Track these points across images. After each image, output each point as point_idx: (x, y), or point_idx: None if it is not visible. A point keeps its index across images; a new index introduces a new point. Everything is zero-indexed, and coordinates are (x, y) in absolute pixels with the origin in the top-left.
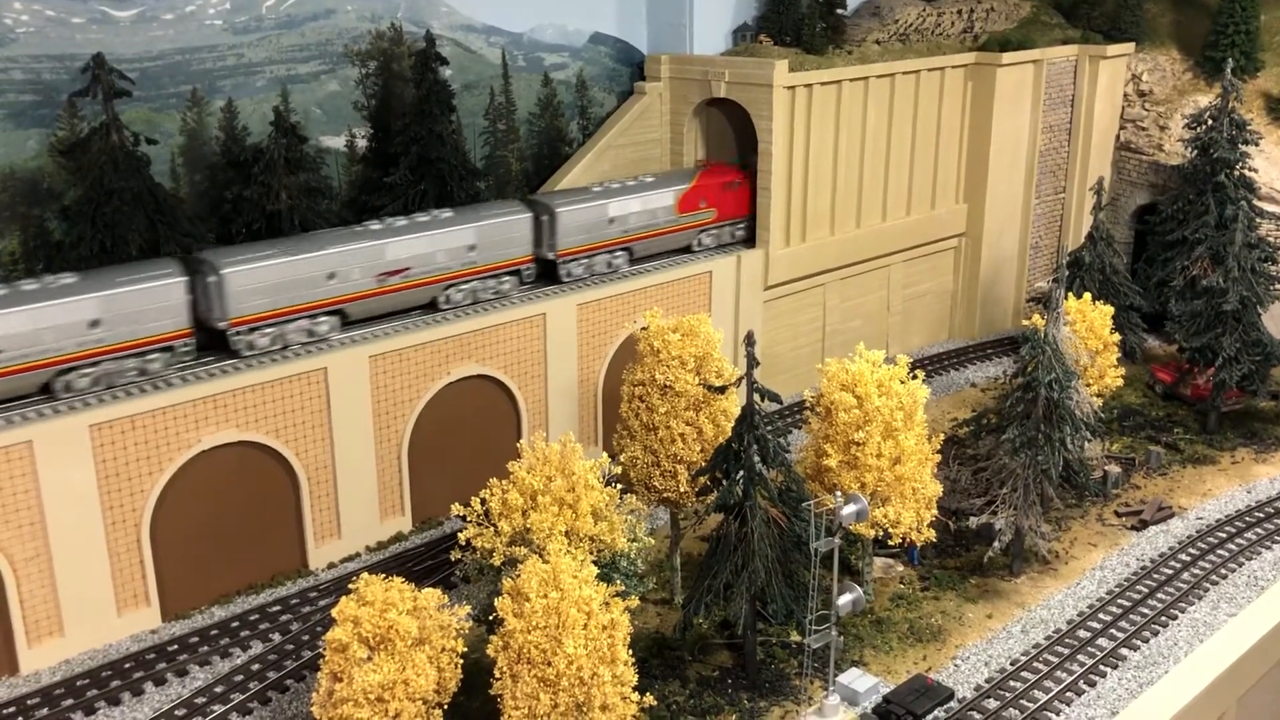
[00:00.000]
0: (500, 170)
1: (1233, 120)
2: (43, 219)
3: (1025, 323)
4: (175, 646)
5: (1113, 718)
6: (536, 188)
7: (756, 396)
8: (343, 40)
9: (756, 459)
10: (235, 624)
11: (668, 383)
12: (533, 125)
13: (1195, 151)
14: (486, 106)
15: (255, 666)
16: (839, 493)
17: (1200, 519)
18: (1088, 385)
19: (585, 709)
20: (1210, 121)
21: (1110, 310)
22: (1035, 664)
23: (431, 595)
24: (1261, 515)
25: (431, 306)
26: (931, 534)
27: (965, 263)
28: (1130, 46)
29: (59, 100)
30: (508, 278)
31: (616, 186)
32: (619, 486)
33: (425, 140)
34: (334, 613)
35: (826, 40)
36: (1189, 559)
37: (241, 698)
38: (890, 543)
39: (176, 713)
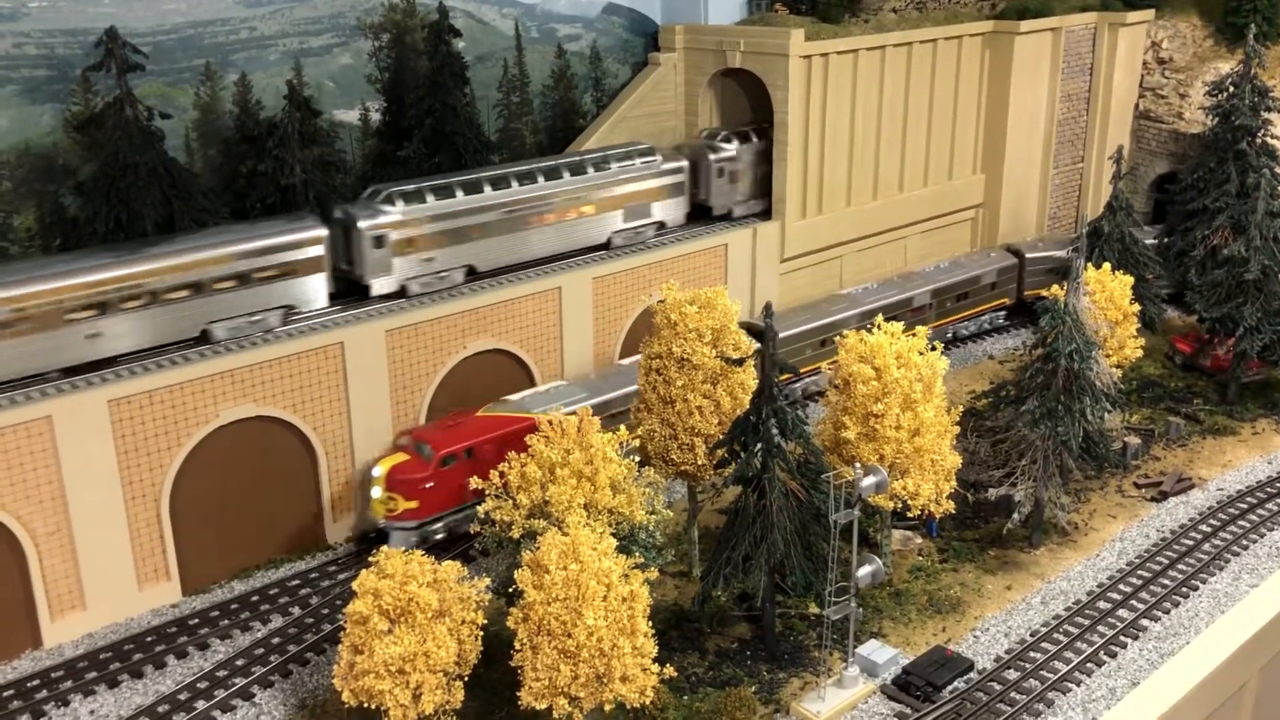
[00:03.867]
0: (514, 143)
1: (1255, 87)
2: (58, 195)
3: (1044, 293)
4: (196, 620)
5: (1133, 688)
6: None
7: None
8: (355, 12)
9: (775, 431)
10: (255, 598)
11: (685, 355)
12: (546, 97)
13: (1216, 119)
14: (500, 79)
15: (275, 640)
16: (858, 465)
17: (1221, 490)
18: (1107, 356)
19: (605, 680)
20: (1232, 88)
21: (1130, 280)
22: (1055, 635)
23: (451, 568)
24: None
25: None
26: (950, 506)
27: (983, 234)
28: (1150, 13)
29: (73, 75)
30: None
31: None
32: (636, 459)
33: (439, 113)
34: (355, 585)
35: (843, 9)
36: (1209, 530)
37: (262, 671)
38: (909, 515)
39: (198, 685)
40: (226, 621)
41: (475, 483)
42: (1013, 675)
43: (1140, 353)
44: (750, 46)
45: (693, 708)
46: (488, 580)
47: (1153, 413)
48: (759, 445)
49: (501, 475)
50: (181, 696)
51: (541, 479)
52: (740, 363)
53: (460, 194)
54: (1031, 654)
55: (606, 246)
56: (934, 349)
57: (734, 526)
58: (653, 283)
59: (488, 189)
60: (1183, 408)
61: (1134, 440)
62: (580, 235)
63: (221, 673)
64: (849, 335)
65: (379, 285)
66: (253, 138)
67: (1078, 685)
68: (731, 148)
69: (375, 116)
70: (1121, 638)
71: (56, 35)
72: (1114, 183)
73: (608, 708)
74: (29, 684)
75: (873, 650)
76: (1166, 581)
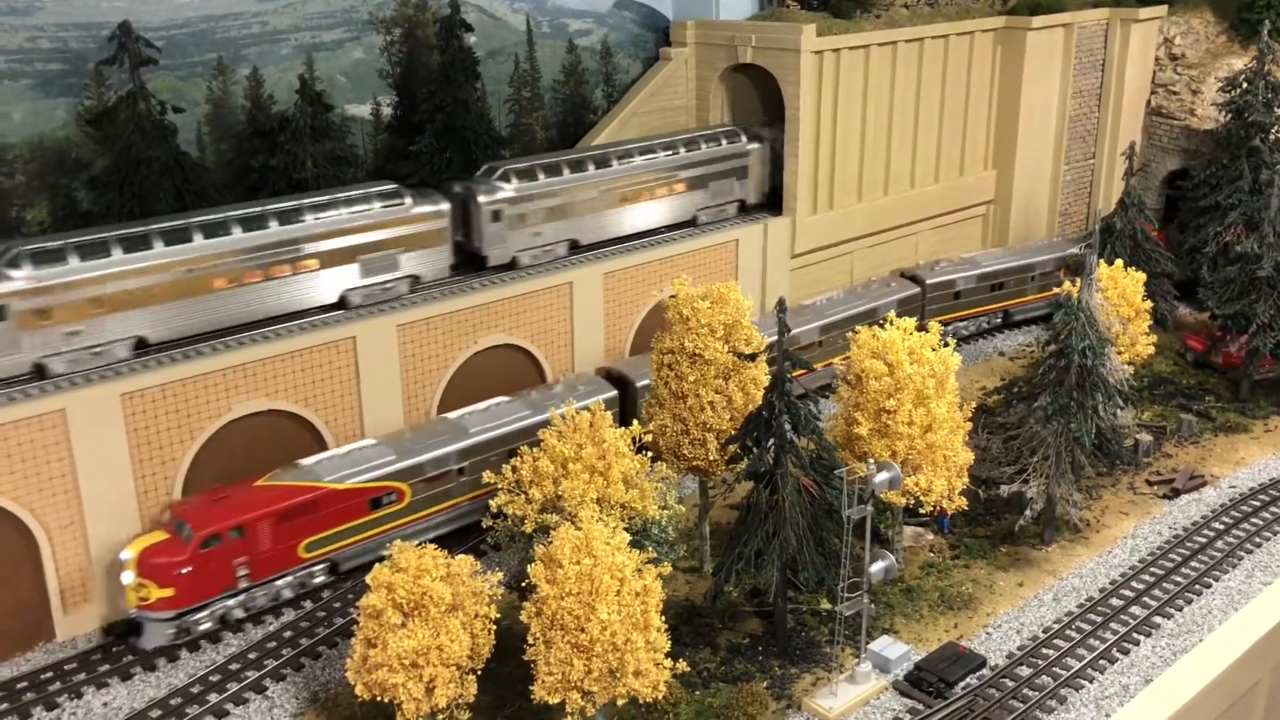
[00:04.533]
0: (525, 138)
1: (1268, 83)
2: (71, 188)
3: (1056, 290)
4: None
5: (1147, 685)
6: None
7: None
8: (367, 7)
9: (788, 427)
10: None
11: (697, 350)
12: (557, 92)
13: (1229, 115)
14: (511, 74)
15: (288, 634)
16: (871, 460)
17: (1233, 487)
18: (1119, 353)
19: (618, 675)
20: (1245, 85)
21: (1142, 277)
22: (1068, 632)
23: (464, 562)
24: None
25: None
26: (962, 502)
27: (994, 230)
28: (1162, 9)
29: (86, 69)
30: None
31: None
32: (648, 454)
33: (450, 108)
34: (368, 579)
35: (854, 4)
36: (1222, 527)
37: (275, 664)
38: (921, 511)
39: (211, 678)
40: (240, 614)
41: (488, 476)
42: (1025, 672)
43: (1152, 349)
44: (762, 42)
45: (704, 703)
46: (500, 574)
47: (1165, 410)
48: (771, 441)
49: (514, 470)
50: (194, 689)
51: (554, 474)
52: (753, 358)
53: (118, 252)
54: (1044, 650)
55: (342, 306)
56: (946, 344)
57: (746, 522)
58: (664, 278)
59: (158, 244)
60: (1195, 405)
61: (1146, 437)
62: (296, 296)
63: (234, 666)
64: (862, 331)
65: (3, 366)
66: (265, 132)
67: (1090, 682)
68: (509, 188)
69: (387, 111)
70: (1134, 635)
71: (70, 29)
72: (1126, 179)
73: (620, 702)
74: (42, 676)
75: (885, 646)
76: (1179, 579)
